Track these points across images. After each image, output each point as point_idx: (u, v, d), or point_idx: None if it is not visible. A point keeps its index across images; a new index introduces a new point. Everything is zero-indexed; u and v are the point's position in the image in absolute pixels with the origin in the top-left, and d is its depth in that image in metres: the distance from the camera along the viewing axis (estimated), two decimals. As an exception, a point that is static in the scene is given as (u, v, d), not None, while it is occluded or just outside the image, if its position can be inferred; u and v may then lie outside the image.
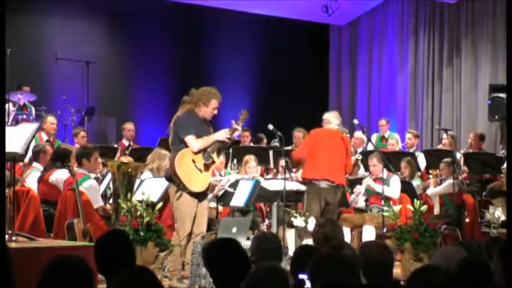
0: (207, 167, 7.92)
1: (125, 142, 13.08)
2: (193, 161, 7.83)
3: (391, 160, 11.02)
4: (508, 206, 8.05)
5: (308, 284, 4.24)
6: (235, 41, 17.04)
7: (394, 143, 13.32)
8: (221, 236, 7.51)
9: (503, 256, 4.36)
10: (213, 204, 9.82)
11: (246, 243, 7.16)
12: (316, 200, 9.09)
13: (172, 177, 7.82)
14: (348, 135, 13.94)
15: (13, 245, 6.57)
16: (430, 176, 11.74)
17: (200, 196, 7.92)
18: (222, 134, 7.92)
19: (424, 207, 8.85)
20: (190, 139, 7.78)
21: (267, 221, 10.28)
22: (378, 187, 10.10)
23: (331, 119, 9.49)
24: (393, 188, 10.18)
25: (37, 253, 6.42)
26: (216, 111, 8.00)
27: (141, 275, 3.43)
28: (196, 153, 7.81)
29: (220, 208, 10.07)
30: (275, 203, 9.34)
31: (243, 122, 8.14)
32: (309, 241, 8.47)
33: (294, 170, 10.15)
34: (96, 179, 9.47)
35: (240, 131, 8.21)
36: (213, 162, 7.97)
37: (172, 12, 16.41)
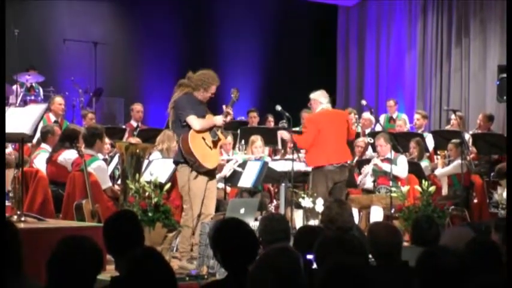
0: (214, 144, 7.96)
1: (133, 123, 13.08)
2: (204, 139, 7.87)
3: (399, 141, 10.99)
4: (508, 194, 8.05)
5: (315, 265, 4.24)
6: (242, 23, 16.99)
7: (402, 123, 13.29)
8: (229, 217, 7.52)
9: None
10: (221, 185, 9.82)
11: (253, 224, 7.17)
12: (323, 181, 8.96)
13: (186, 157, 7.81)
14: (356, 116, 13.97)
15: (22, 225, 6.61)
16: (438, 157, 11.72)
17: (209, 176, 7.94)
18: (220, 120, 7.97)
19: (432, 188, 8.83)
20: (192, 119, 7.82)
21: (274, 202, 10.28)
22: (385, 166, 10.08)
23: (320, 99, 9.21)
24: (401, 167, 10.15)
25: (46, 234, 6.45)
26: (213, 96, 8.03)
27: (149, 256, 3.43)
28: (199, 131, 7.83)
29: (228, 189, 10.07)
30: (283, 184, 9.34)
31: (236, 100, 8.18)
32: (315, 222, 8.49)
33: (301, 150, 10.10)
34: (104, 160, 9.48)
35: (232, 114, 8.23)
36: (219, 139, 8.01)
37: (180, -7, 16.40)
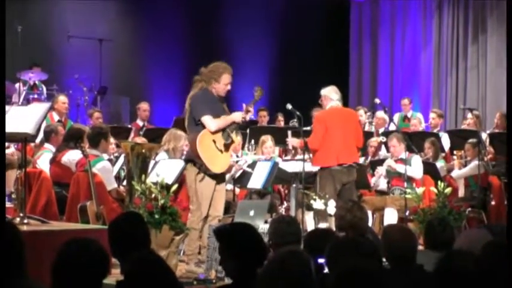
0: (226, 147, 7.92)
1: (139, 122, 13.10)
2: (214, 142, 7.83)
3: (414, 141, 10.97)
4: (508, 194, 8.01)
5: (327, 269, 4.23)
6: (252, 18, 16.98)
7: (417, 123, 13.27)
8: (238, 219, 7.52)
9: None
10: (230, 187, 9.82)
11: (263, 227, 7.17)
12: (330, 182, 8.92)
13: (194, 159, 7.81)
14: (368, 113, 13.95)
15: (25, 228, 6.61)
16: (455, 157, 11.69)
17: (218, 178, 7.93)
18: (239, 116, 7.93)
19: (448, 190, 8.80)
20: (206, 119, 7.77)
21: (285, 204, 10.27)
22: (399, 167, 10.05)
23: (331, 95, 9.17)
24: (415, 168, 10.13)
25: (49, 236, 6.45)
26: (229, 87, 7.95)
27: (149, 262, 3.43)
28: (214, 133, 7.80)
29: (237, 190, 10.06)
30: (294, 185, 9.33)
31: (258, 99, 8.16)
32: (326, 224, 8.47)
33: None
34: (109, 160, 9.49)
35: (252, 112, 8.21)
36: (232, 141, 7.98)
37: (187, -12, 16.40)
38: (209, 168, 7.77)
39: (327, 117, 9.11)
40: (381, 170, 10.51)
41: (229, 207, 9.40)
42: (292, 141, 9.77)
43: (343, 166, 8.95)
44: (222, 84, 7.89)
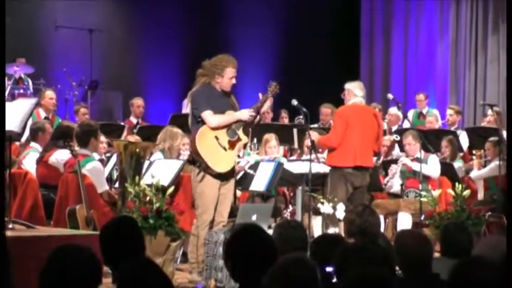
0: (232, 144, 7.95)
1: (133, 119, 13.10)
2: (217, 138, 7.87)
3: (430, 139, 10.97)
4: (508, 194, 7.98)
5: (335, 278, 4.24)
6: (254, 8, 16.96)
7: (433, 120, 13.27)
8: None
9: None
10: (231, 189, 9.83)
11: (267, 232, 7.17)
12: (342, 184, 8.94)
13: (194, 157, 7.86)
14: (381, 112, 13.95)
15: (9, 233, 6.62)
16: (474, 157, 11.69)
17: (222, 179, 7.95)
18: (245, 114, 7.96)
19: (466, 192, 8.81)
20: (206, 115, 7.82)
21: (290, 208, 10.28)
22: (415, 165, 10.05)
23: (355, 91, 9.20)
24: (432, 166, 10.14)
25: (36, 242, 6.47)
26: (234, 80, 8.00)
27: (143, 270, 3.44)
28: (215, 129, 7.83)
29: (239, 193, 10.07)
30: (299, 188, 9.33)
31: (272, 95, 8.18)
32: (336, 230, 8.49)
33: (320, 150, 10.09)
34: (101, 160, 9.50)
35: (268, 106, 8.22)
36: (239, 139, 8.00)
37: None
38: (210, 166, 7.80)
39: (348, 113, 9.14)
40: (394, 169, 10.51)
41: (231, 211, 9.41)
42: (312, 134, 9.71)
43: (357, 169, 8.97)
44: (226, 78, 7.94)
